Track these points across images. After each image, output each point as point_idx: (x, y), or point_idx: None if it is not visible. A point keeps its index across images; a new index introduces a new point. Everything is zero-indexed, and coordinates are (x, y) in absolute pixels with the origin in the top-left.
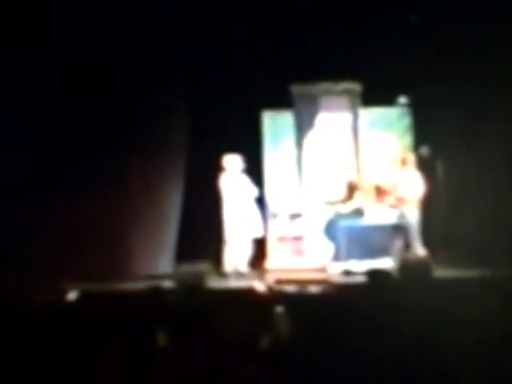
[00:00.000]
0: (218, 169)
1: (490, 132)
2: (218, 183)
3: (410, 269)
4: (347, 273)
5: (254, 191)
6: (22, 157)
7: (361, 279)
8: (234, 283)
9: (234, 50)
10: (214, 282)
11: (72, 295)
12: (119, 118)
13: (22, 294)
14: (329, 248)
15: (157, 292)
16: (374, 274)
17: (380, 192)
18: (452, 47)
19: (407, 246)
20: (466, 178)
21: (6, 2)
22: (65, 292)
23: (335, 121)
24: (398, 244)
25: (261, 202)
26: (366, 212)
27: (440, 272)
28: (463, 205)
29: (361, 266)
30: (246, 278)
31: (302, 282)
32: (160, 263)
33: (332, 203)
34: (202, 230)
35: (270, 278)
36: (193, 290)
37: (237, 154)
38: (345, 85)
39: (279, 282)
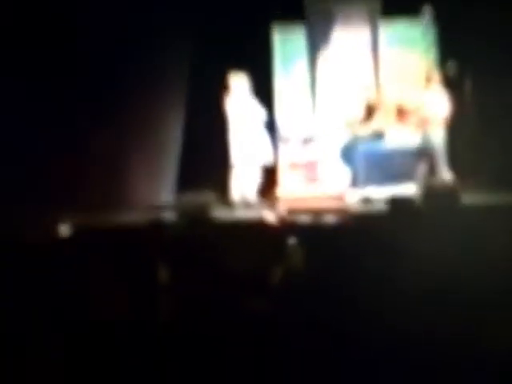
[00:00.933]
0: (223, 88)
1: None
2: (223, 104)
3: (435, 196)
4: (366, 200)
5: (263, 113)
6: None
7: (381, 207)
8: (241, 213)
9: None
10: (220, 213)
11: (64, 229)
12: (118, 43)
13: (13, 228)
14: (346, 174)
15: (157, 224)
16: (395, 202)
17: (402, 112)
18: None
19: (432, 170)
20: (496, 96)
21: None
22: (55, 226)
23: (352, 36)
24: (422, 168)
25: (271, 125)
26: (387, 134)
27: (468, 198)
28: (493, 126)
29: (381, 193)
30: (255, 207)
31: (317, 212)
32: (160, 192)
33: (349, 125)
34: (206, 156)
35: (282, 208)
36: (196, 221)
37: (244, 73)
38: None
39: (291, 211)
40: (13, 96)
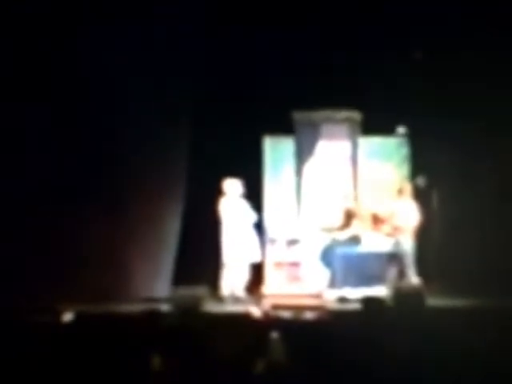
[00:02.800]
0: (217, 193)
1: (484, 164)
2: (217, 207)
3: (403, 297)
4: (342, 300)
5: (253, 216)
6: (22, 179)
7: (356, 306)
8: (230, 307)
9: (238, 76)
10: (211, 306)
11: (68, 316)
12: (119, 140)
13: (18, 313)
14: (325, 274)
15: (153, 315)
16: (368, 302)
17: (376, 220)
18: (452, 83)
19: (402, 274)
20: (460, 208)
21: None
22: (61, 313)
23: (335, 149)
24: (392, 272)
25: (259, 227)
26: (363, 239)
27: (433, 301)
28: (457, 235)
29: (356, 293)
30: (243, 302)
31: (298, 308)
32: (157, 286)
33: (329, 230)
34: (200, 254)
35: (267, 303)
36: (189, 313)
37: (237, 179)
38: (345, 113)
39: (275, 307)
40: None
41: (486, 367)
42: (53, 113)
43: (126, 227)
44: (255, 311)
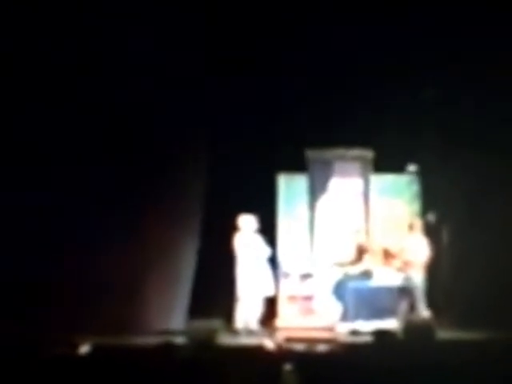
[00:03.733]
0: (233, 228)
1: (492, 201)
2: (232, 242)
3: (414, 330)
4: (354, 333)
5: (267, 251)
6: (36, 205)
7: (367, 339)
8: (244, 340)
9: (254, 114)
10: (225, 339)
11: (84, 348)
12: (139, 172)
13: (36, 345)
14: (337, 308)
15: (168, 347)
16: (379, 335)
17: (388, 255)
18: (462, 120)
19: (412, 307)
20: (469, 243)
21: None
22: (77, 345)
23: (347, 186)
24: (403, 305)
25: (273, 261)
26: (374, 274)
27: (443, 333)
28: (466, 269)
29: (368, 327)
30: (257, 335)
31: (311, 341)
32: (173, 319)
33: (342, 265)
34: (215, 288)
35: (280, 336)
36: (204, 345)
37: (251, 215)
38: (357, 151)
39: (288, 340)
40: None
41: None
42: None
43: (143, 258)
44: (269, 344)
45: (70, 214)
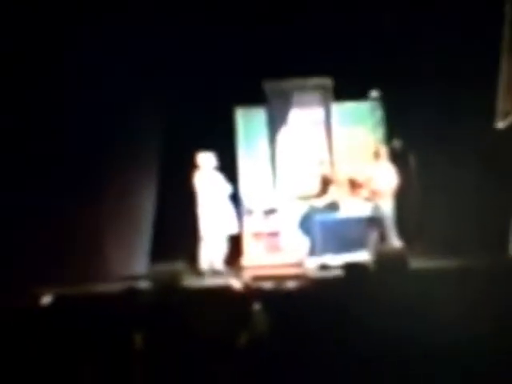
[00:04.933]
0: (192, 166)
1: (461, 126)
2: (191, 181)
3: (386, 261)
4: (324, 267)
5: (228, 188)
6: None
7: (337, 273)
8: (210, 281)
9: (207, 48)
10: (190, 281)
11: (46, 299)
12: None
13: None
14: (304, 243)
15: (132, 292)
16: (350, 268)
17: (354, 185)
18: (425, 45)
19: (383, 237)
20: (437, 170)
21: None
22: (39, 296)
23: (308, 116)
24: (373, 236)
25: (235, 198)
26: (341, 205)
27: (416, 263)
28: (435, 196)
29: (337, 260)
30: (223, 275)
31: (279, 278)
32: (135, 264)
33: (306, 198)
34: (177, 229)
35: (247, 275)
36: (168, 289)
37: (210, 152)
38: (316, 80)
39: (256, 278)
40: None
41: (474, 329)
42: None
43: (100, 209)
44: (236, 283)
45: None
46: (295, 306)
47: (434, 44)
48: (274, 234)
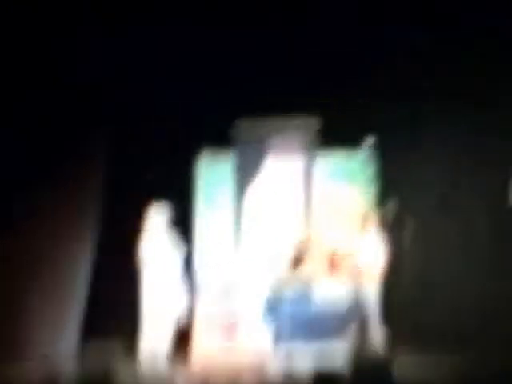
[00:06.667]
0: (138, 222)
1: (475, 184)
2: (136, 241)
3: (366, 371)
4: (289, 377)
5: (181, 252)
6: None
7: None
8: (149, 376)
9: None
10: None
11: None
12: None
13: None
14: (269, 330)
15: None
16: (320, 380)
17: (334, 260)
18: (427, 83)
19: (363, 328)
20: (441, 244)
21: None
22: None
23: (285, 165)
24: (352, 324)
25: (189, 264)
26: (316, 286)
27: (404, 369)
28: (436, 281)
29: (306, 355)
30: (165, 368)
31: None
32: (63, 341)
33: (275, 271)
34: (115, 304)
35: (196, 369)
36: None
37: (163, 204)
38: (299, 121)
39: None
40: None
41: None
42: None
43: (25, 266)
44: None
45: None
46: None
47: (444, 84)
48: (232, 320)
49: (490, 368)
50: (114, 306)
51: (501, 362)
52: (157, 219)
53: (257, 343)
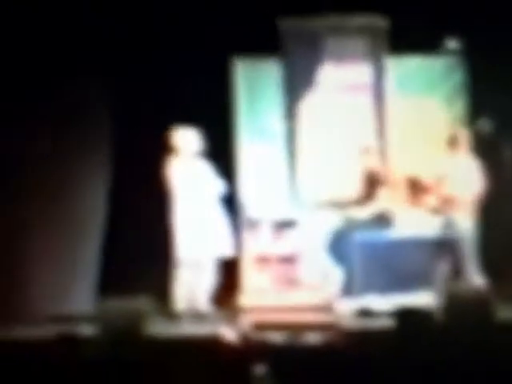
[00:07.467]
0: (164, 151)
1: None
2: (163, 173)
3: (461, 307)
4: (365, 313)
5: (219, 186)
6: None
7: (385, 323)
8: (189, 329)
9: None
10: (159, 327)
11: None
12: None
13: None
14: (336, 275)
15: (68, 341)
16: (405, 316)
17: (416, 189)
18: None
19: (457, 271)
20: None
21: None
22: None
23: (347, 76)
24: (442, 268)
25: (231, 203)
26: (395, 219)
27: (506, 312)
28: None
29: (385, 303)
30: (209, 320)
31: (295, 328)
32: (76, 298)
33: (342, 205)
34: (139, 247)
35: (246, 321)
36: (125, 338)
37: (193, 130)
38: (362, 20)
39: (260, 326)
40: None
41: None
42: None
43: (26, 211)
44: (228, 334)
45: None
46: (318, 372)
47: None
48: (290, 260)
49: None
50: (139, 252)
51: None
52: (186, 147)
53: (322, 293)
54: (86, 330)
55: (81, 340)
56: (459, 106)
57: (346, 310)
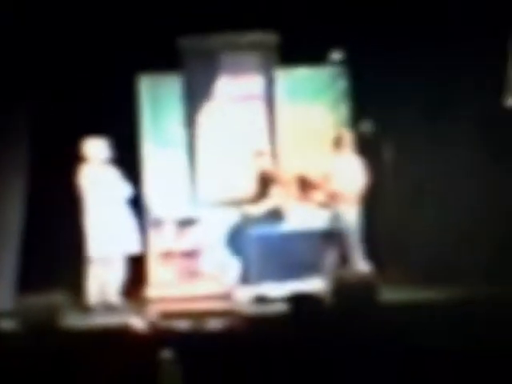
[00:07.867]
0: (74, 160)
1: (457, 102)
2: (75, 180)
3: (348, 292)
4: (261, 300)
5: (126, 189)
6: None
7: (280, 308)
8: (101, 320)
9: None
10: (74, 319)
11: None
12: None
13: None
14: (234, 266)
15: None
16: (298, 301)
17: (305, 186)
18: None
19: (344, 259)
20: (422, 164)
21: None
22: None
23: (241, 87)
24: (331, 257)
25: (137, 204)
26: (287, 214)
27: (388, 294)
28: (419, 202)
29: (280, 290)
30: (119, 311)
31: (198, 315)
32: None
33: (238, 203)
34: (54, 247)
35: (153, 311)
36: (43, 329)
37: (102, 139)
38: (254, 36)
39: (166, 315)
40: None
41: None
42: None
43: None
44: (137, 323)
45: None
46: (219, 355)
47: None
48: (192, 254)
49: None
50: (54, 250)
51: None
52: (96, 154)
53: (221, 282)
54: (6, 325)
55: (3, 334)
56: (343, 111)
57: (243, 297)
